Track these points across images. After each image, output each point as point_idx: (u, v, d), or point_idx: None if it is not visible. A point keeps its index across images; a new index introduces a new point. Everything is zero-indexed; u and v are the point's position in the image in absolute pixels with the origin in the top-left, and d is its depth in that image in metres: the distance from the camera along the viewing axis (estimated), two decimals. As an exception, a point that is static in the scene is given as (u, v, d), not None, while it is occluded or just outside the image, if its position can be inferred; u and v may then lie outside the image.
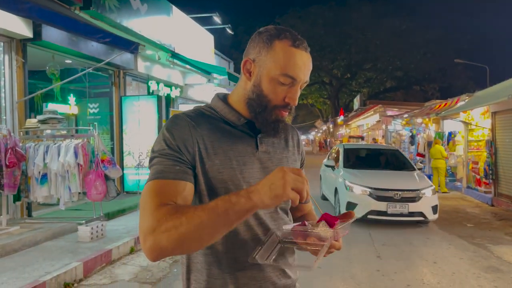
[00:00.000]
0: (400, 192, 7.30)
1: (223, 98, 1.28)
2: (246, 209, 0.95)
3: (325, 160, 10.44)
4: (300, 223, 1.16)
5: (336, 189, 8.31)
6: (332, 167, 8.99)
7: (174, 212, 0.97)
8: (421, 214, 7.33)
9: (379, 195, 7.31)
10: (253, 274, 1.18)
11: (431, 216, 7.38)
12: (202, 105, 1.30)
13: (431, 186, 7.69)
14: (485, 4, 53.22)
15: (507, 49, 50.80)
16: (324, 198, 10.10)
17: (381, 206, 7.24)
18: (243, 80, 1.23)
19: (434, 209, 7.44)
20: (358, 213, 7.03)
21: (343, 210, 7.26)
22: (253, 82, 1.19)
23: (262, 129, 1.22)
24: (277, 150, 1.30)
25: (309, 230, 1.09)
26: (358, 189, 7.52)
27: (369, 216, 7.28)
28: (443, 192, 11.88)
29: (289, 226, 1.16)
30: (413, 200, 7.30)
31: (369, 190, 7.40)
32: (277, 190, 0.93)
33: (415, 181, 7.88)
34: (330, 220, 1.10)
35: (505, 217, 8.52)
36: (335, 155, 9.77)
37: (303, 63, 1.16)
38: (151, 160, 1.14)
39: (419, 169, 8.97)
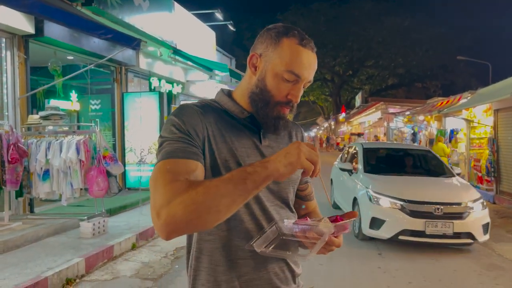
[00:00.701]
0: (441, 206, 5.65)
1: (228, 93, 1.31)
2: (262, 177, 0.98)
3: (337, 162, 9.05)
4: (303, 218, 1.17)
5: (355, 200, 6.67)
6: (349, 171, 7.33)
7: (189, 184, 0.98)
8: (469, 235, 5.67)
9: (414, 209, 5.69)
10: (256, 264, 1.18)
11: (482, 237, 5.75)
12: (207, 99, 1.32)
13: (481, 198, 6.07)
14: (488, 1, 53.02)
15: (509, 46, 50.59)
16: (336, 206, 8.40)
17: (417, 224, 5.61)
18: (248, 75, 1.25)
19: (485, 228, 5.81)
20: (386, 232, 5.79)
21: (365, 227, 6.02)
22: (258, 77, 1.21)
23: (263, 124, 1.24)
24: (280, 145, 1.31)
25: (310, 225, 1.10)
26: (385, 201, 5.90)
27: (400, 237, 5.72)
28: None
29: (291, 220, 1.17)
30: (459, 216, 5.66)
31: (401, 203, 5.77)
32: (292, 157, 0.98)
33: (459, 191, 6.23)
34: (331, 218, 1.11)
35: (507, 215, 8.51)
36: (351, 156, 8.22)
37: (308, 62, 1.18)
38: (160, 145, 1.14)
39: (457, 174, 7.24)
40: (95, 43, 7.67)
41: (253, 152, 1.23)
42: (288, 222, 1.14)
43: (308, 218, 1.16)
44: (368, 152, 7.68)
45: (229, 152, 1.18)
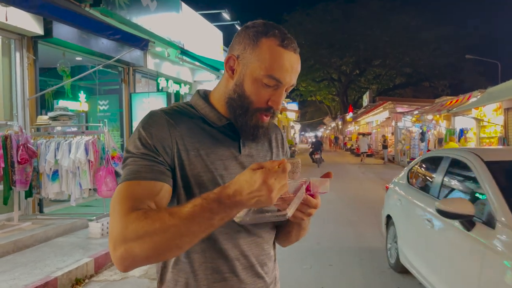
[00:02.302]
0: None
1: (204, 95, 1.20)
2: (230, 216, 0.90)
3: (404, 185, 4.93)
4: None
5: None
6: (467, 221, 2.89)
7: (144, 217, 0.89)
8: None
9: None
10: (232, 286, 1.11)
11: None
12: (181, 102, 1.21)
13: None
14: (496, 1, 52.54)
15: (519, 44, 50.02)
16: (404, 270, 4.59)
17: None
18: (225, 78, 1.15)
19: None
20: None
21: None
22: (235, 81, 1.11)
23: (241, 132, 1.14)
24: (261, 153, 1.23)
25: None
26: None
27: None
28: None
29: None
30: None
31: None
32: (265, 204, 0.87)
33: None
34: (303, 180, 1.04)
35: (518, 215, 8.37)
36: (439, 179, 3.96)
37: (290, 65, 1.08)
38: (124, 160, 1.04)
39: None
40: (103, 44, 7.70)
41: (231, 163, 1.13)
42: None
43: None
44: (499, 171, 3.19)
45: (203, 167, 1.08)
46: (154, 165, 1.01)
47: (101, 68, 7.58)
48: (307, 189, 1.03)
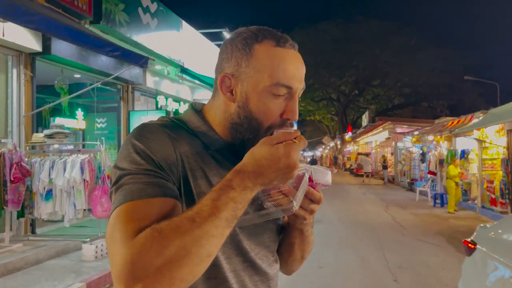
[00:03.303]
0: None
1: (199, 111, 1.01)
2: (250, 198, 0.81)
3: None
4: None
5: None
6: None
7: (158, 233, 0.72)
8: None
9: None
10: None
11: None
12: (170, 117, 1.01)
13: None
14: (494, 21, 53.28)
15: (516, 66, 50.53)
16: None
17: None
18: (222, 101, 0.96)
19: None
20: None
21: None
22: (238, 103, 0.93)
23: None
24: None
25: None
26: None
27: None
28: (449, 213, 11.44)
29: None
30: None
31: None
32: (288, 179, 0.80)
33: None
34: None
35: (523, 239, 8.18)
36: None
37: (294, 66, 0.93)
38: (117, 180, 0.82)
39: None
40: (102, 61, 7.62)
41: None
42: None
43: None
44: None
45: (209, 189, 0.88)
46: (161, 182, 0.82)
47: (99, 85, 7.48)
48: (310, 180, 0.89)
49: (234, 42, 0.94)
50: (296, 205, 0.83)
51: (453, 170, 11.65)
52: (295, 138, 0.80)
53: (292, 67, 0.92)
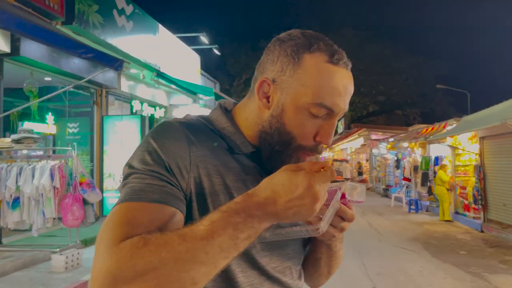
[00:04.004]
0: None
1: (228, 112, 0.95)
2: (258, 232, 0.69)
3: None
4: None
5: None
6: None
7: (144, 243, 0.64)
8: None
9: None
10: None
11: None
12: (196, 115, 0.95)
13: None
14: (465, 31, 55.11)
15: (486, 75, 52.37)
16: None
17: None
18: (256, 105, 0.90)
19: None
20: None
21: None
22: (272, 112, 0.86)
23: (273, 169, 0.83)
24: None
25: None
26: None
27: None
28: (446, 221, 11.16)
29: None
30: None
31: None
32: (305, 218, 0.68)
33: None
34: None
35: (496, 244, 8.35)
36: None
37: (344, 87, 0.84)
38: (125, 178, 0.80)
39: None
40: (74, 63, 7.38)
41: None
42: None
43: None
44: None
45: (227, 198, 0.83)
46: (166, 186, 0.76)
47: (71, 89, 7.24)
48: (342, 197, 0.81)
49: (284, 46, 0.86)
50: (323, 226, 0.73)
51: (445, 176, 11.54)
52: (322, 168, 0.69)
53: (341, 88, 0.84)
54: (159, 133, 0.83)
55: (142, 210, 0.72)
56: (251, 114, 0.91)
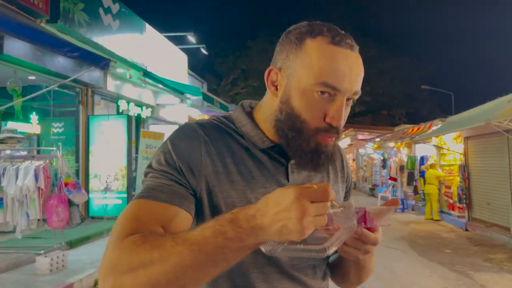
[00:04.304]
0: None
1: (248, 111, 0.99)
2: (249, 247, 0.69)
3: None
4: None
5: None
6: None
7: (142, 242, 0.71)
8: None
9: None
10: None
11: None
12: (220, 115, 1.00)
13: None
14: (450, 34, 55.94)
15: (470, 76, 53.27)
16: None
17: None
18: (269, 96, 0.94)
19: None
20: None
21: None
22: (281, 98, 0.89)
23: (296, 159, 0.90)
24: (314, 180, 0.99)
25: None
26: None
27: None
28: (435, 220, 11.24)
29: None
30: None
31: None
32: (291, 236, 0.66)
33: None
34: (360, 210, 0.78)
35: (480, 243, 8.49)
36: None
37: (348, 66, 0.84)
38: (145, 175, 0.89)
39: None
40: (59, 62, 7.25)
41: None
42: None
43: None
44: None
45: (240, 196, 0.87)
46: (173, 185, 0.84)
47: (56, 88, 7.10)
48: (363, 221, 0.78)
49: (289, 35, 0.90)
50: (329, 249, 0.71)
51: (437, 172, 11.40)
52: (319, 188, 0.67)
53: (343, 67, 0.84)
54: (176, 135, 0.90)
55: (150, 208, 0.80)
56: (266, 107, 0.95)
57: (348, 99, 0.87)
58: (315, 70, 0.84)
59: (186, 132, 0.90)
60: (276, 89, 0.91)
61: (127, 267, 0.69)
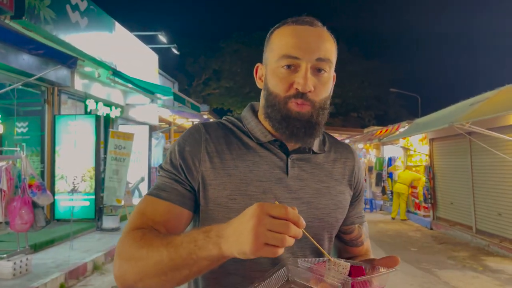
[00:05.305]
0: None
1: (254, 109, 1.08)
2: (214, 257, 0.71)
3: None
4: (325, 260, 0.84)
5: None
6: None
7: (140, 238, 0.84)
8: None
9: None
10: None
11: None
12: (233, 116, 1.11)
13: None
14: (418, 38, 57.50)
15: (436, 81, 54.99)
16: None
17: None
18: (261, 92, 1.05)
19: None
20: None
21: None
22: (263, 87, 1.01)
23: (280, 134, 0.95)
24: (316, 176, 1.00)
25: (325, 272, 0.78)
26: None
27: None
28: (402, 220, 11.45)
29: (309, 261, 0.84)
30: None
31: None
32: (244, 246, 0.67)
33: None
34: (356, 268, 0.80)
35: (444, 241, 8.77)
36: None
37: (305, 37, 0.92)
38: (158, 173, 1.02)
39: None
40: (24, 60, 7.01)
41: (273, 186, 0.93)
42: (304, 266, 0.81)
43: (333, 259, 0.82)
44: None
45: (236, 188, 0.93)
46: (173, 184, 0.95)
47: (20, 86, 6.87)
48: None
49: (268, 34, 1.02)
50: None
51: (415, 175, 11.34)
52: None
53: (301, 38, 0.92)
54: (183, 135, 1.00)
55: (155, 205, 0.92)
56: (261, 102, 1.03)
57: (318, 70, 0.91)
58: (277, 48, 0.94)
59: (191, 131, 0.99)
60: (262, 81, 1.02)
61: (126, 257, 0.83)
